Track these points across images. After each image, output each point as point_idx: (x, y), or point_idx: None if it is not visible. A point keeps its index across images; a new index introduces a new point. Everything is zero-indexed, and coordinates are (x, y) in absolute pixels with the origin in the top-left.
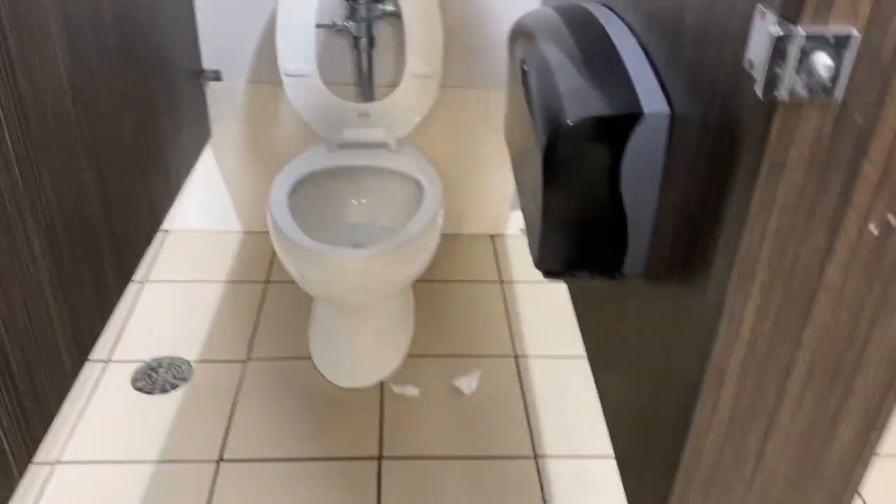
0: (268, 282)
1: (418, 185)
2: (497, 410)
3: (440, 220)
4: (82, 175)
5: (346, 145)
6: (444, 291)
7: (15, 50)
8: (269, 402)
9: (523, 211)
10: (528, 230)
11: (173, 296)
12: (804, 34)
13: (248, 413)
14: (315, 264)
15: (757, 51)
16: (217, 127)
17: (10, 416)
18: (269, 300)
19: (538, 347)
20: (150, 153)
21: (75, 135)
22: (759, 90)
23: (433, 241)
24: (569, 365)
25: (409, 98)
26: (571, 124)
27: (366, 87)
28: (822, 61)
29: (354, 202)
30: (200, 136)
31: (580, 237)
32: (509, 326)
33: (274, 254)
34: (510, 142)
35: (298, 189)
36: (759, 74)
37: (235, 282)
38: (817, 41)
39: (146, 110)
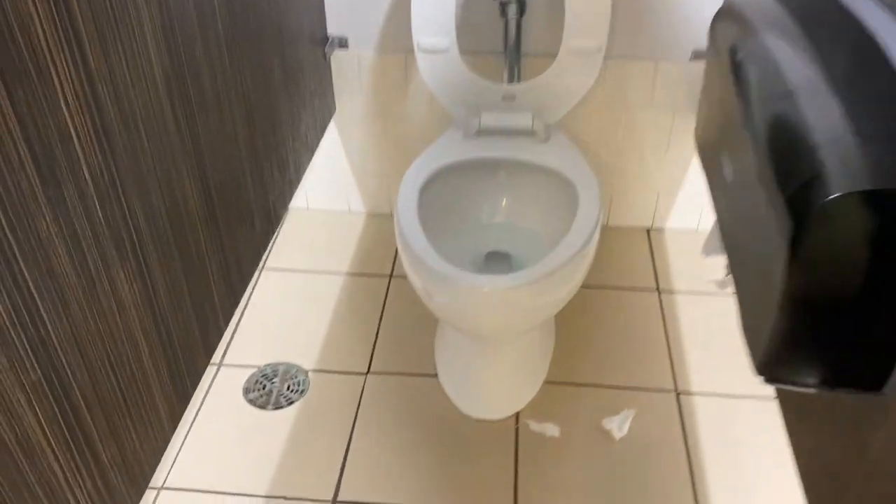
0: (392, 276)
1: (570, 185)
2: (654, 461)
3: (597, 236)
4: (182, 190)
5: (485, 132)
6: (589, 299)
7: (96, 62)
8: (389, 430)
9: (732, 269)
10: (745, 310)
11: (291, 287)
12: None
13: (367, 442)
14: (444, 289)
15: None
16: (341, 101)
17: (90, 495)
18: (392, 298)
19: (706, 381)
20: (267, 145)
21: (173, 142)
22: None
23: (588, 261)
24: (747, 408)
25: (564, 77)
26: (837, 197)
27: (512, 60)
28: None
29: (493, 201)
30: (324, 112)
31: (829, 344)
32: (669, 351)
33: None
34: (709, 147)
35: (429, 186)
36: None
37: (357, 274)
38: None
39: (262, 94)
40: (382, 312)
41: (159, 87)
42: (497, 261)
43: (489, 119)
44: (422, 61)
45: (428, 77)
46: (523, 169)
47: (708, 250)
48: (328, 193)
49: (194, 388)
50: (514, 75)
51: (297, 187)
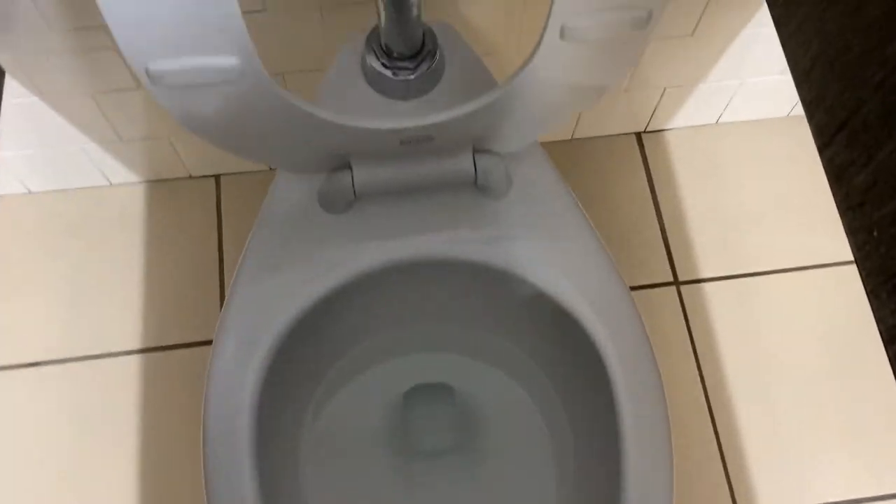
0: None
1: (578, 326)
2: None
3: None
4: None
5: (369, 194)
6: None
7: None
8: None
9: None
10: None
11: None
12: None
13: None
14: None
15: None
16: (7, 45)
17: None
18: None
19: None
20: None
21: None
22: None
23: None
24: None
25: (551, 68)
26: None
27: (401, 40)
28: None
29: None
30: None
31: None
32: (706, 397)
33: (220, 250)
34: None
35: (269, 374)
36: None
37: (162, 349)
38: None
39: None
40: None
41: None
42: (430, 403)
43: (375, 173)
44: (159, 96)
45: (191, 121)
46: (465, 292)
47: None
48: (60, 167)
49: None
50: (417, 88)
51: None
